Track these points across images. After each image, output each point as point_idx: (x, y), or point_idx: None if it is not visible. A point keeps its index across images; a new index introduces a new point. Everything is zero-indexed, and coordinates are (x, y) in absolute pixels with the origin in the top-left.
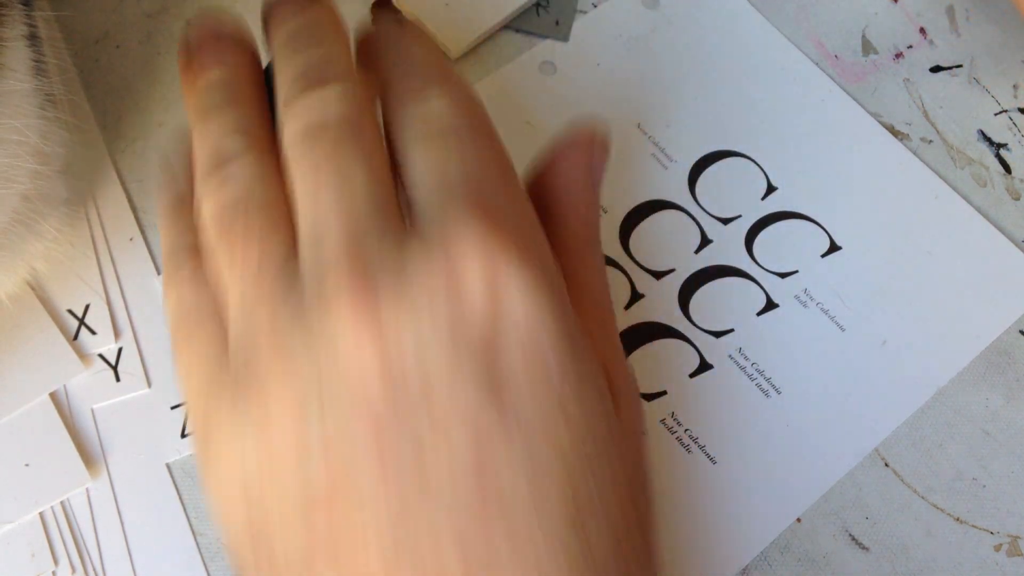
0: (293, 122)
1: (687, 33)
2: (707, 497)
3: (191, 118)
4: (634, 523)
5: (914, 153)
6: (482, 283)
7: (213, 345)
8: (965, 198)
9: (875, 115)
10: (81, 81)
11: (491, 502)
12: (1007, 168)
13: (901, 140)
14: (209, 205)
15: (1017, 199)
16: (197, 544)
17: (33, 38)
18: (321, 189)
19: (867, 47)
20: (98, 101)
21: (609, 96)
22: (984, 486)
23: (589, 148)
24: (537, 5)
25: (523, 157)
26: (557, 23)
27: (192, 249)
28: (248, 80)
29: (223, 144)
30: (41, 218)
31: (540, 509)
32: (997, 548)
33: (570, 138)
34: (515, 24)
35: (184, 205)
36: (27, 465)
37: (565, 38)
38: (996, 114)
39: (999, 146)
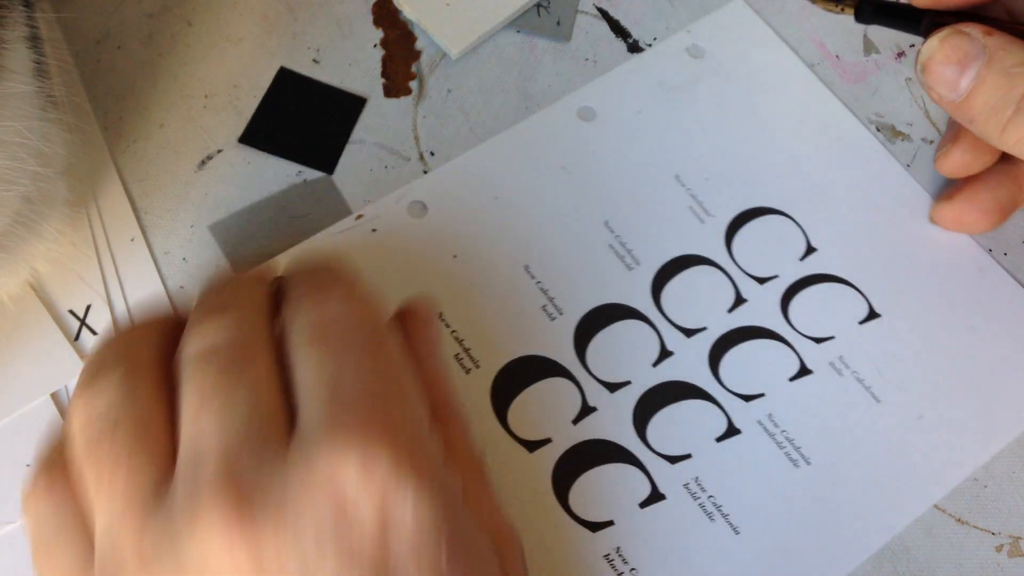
0: (188, 346)
1: (732, 85)
2: (728, 569)
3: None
4: None
5: (915, 155)
6: (367, 495)
7: (77, 561)
8: (991, 254)
9: (876, 115)
10: (82, 82)
11: None
12: None
13: (901, 140)
14: (77, 416)
15: None
16: None
17: (34, 39)
18: (203, 411)
19: (868, 47)
20: (99, 102)
21: (648, 145)
22: (985, 487)
23: (427, 322)
24: (538, 6)
25: (559, 202)
26: (558, 23)
27: (59, 462)
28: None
29: (104, 359)
30: (42, 219)
31: None
32: (998, 549)
33: (420, 313)
34: (516, 24)
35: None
36: (28, 465)
37: (566, 39)
38: None
39: None
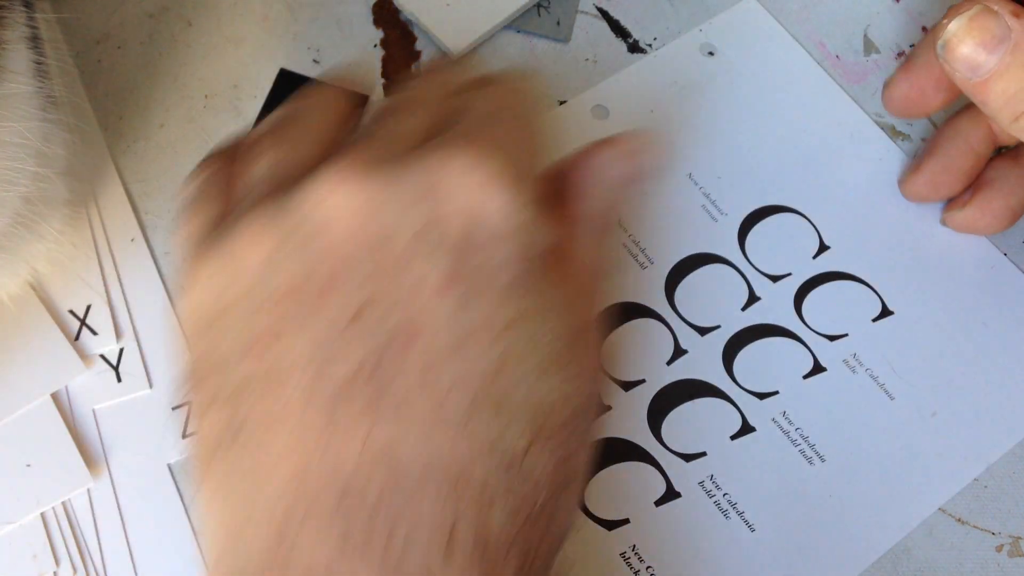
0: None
1: (745, 84)
2: (744, 567)
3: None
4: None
5: (916, 155)
6: (462, 188)
7: (216, 213)
8: (1003, 251)
9: (876, 115)
10: (82, 82)
11: (414, 354)
12: None
13: (902, 140)
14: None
15: None
16: (198, 544)
17: (34, 40)
18: (382, 119)
19: (869, 47)
20: (99, 102)
21: (661, 144)
22: (985, 487)
23: (630, 154)
24: (538, 6)
25: None
26: (558, 23)
27: (228, 152)
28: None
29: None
30: (42, 219)
31: (454, 370)
32: (999, 549)
33: (617, 139)
34: (516, 24)
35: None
36: (29, 466)
37: (566, 39)
38: None
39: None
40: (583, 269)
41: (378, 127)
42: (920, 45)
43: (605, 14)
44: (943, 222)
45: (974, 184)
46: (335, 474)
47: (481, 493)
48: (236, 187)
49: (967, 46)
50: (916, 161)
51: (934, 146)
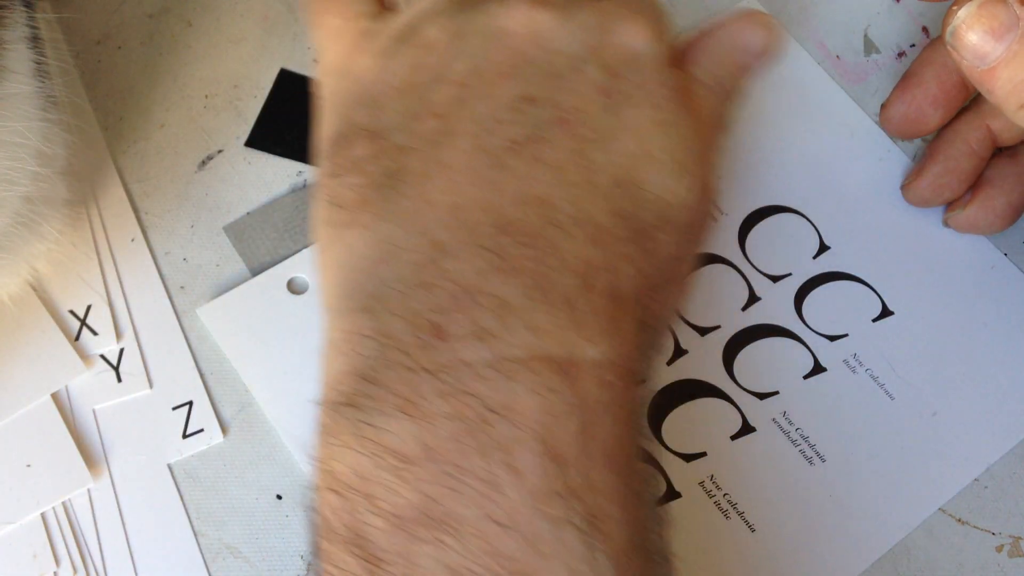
0: None
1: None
2: (744, 567)
3: None
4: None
5: (915, 155)
6: (631, 33)
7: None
8: (1002, 251)
9: (876, 115)
10: (83, 82)
11: (571, 138)
12: None
13: (901, 139)
14: None
15: None
16: (198, 545)
17: (35, 40)
18: None
19: (869, 47)
20: (100, 102)
21: None
22: (986, 487)
23: (758, 26)
24: None
25: None
26: None
27: None
28: None
29: None
30: (43, 219)
31: (603, 156)
32: (999, 549)
33: (748, 12)
34: None
35: None
36: (29, 466)
37: None
38: None
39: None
40: (708, 119)
41: None
42: (914, 63)
43: None
44: (945, 223)
45: (974, 184)
46: (496, 209)
47: (617, 251)
48: None
49: (975, 33)
50: (917, 166)
51: (935, 150)
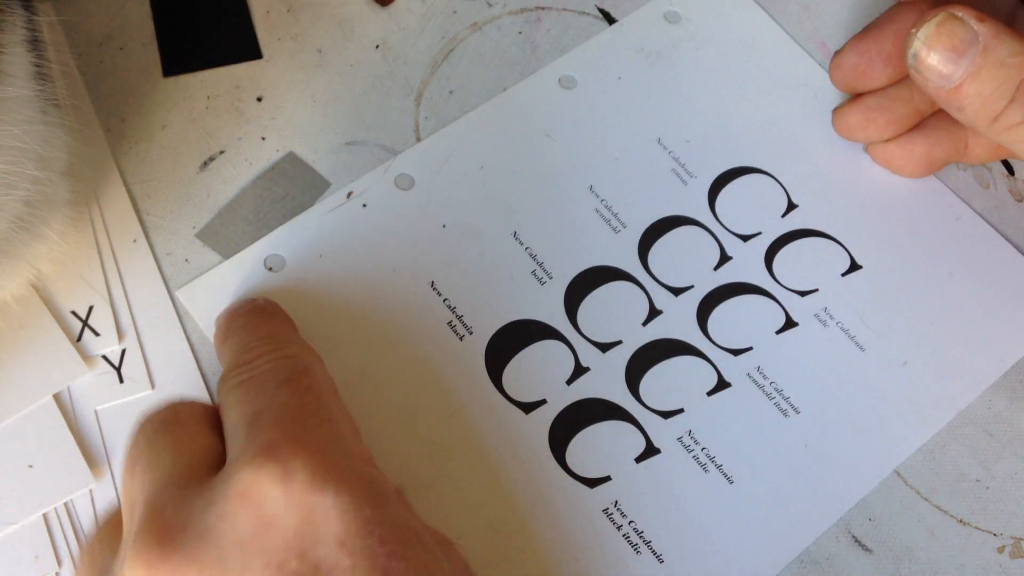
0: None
1: (709, 48)
2: (723, 518)
3: None
4: None
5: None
6: (289, 505)
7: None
8: (966, 202)
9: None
10: (84, 83)
11: None
12: (1010, 170)
13: (845, 94)
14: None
15: (1020, 200)
16: None
17: (35, 42)
18: (135, 470)
19: None
20: (101, 103)
21: (629, 110)
22: (987, 488)
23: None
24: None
25: (544, 169)
26: None
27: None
28: None
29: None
30: (44, 221)
31: None
32: (1000, 550)
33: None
34: None
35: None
36: (31, 467)
37: None
38: None
39: None
40: None
41: None
42: (878, 19)
43: (606, 14)
44: (865, 148)
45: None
46: None
47: None
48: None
49: (937, 53)
50: (853, 96)
51: (882, 94)
